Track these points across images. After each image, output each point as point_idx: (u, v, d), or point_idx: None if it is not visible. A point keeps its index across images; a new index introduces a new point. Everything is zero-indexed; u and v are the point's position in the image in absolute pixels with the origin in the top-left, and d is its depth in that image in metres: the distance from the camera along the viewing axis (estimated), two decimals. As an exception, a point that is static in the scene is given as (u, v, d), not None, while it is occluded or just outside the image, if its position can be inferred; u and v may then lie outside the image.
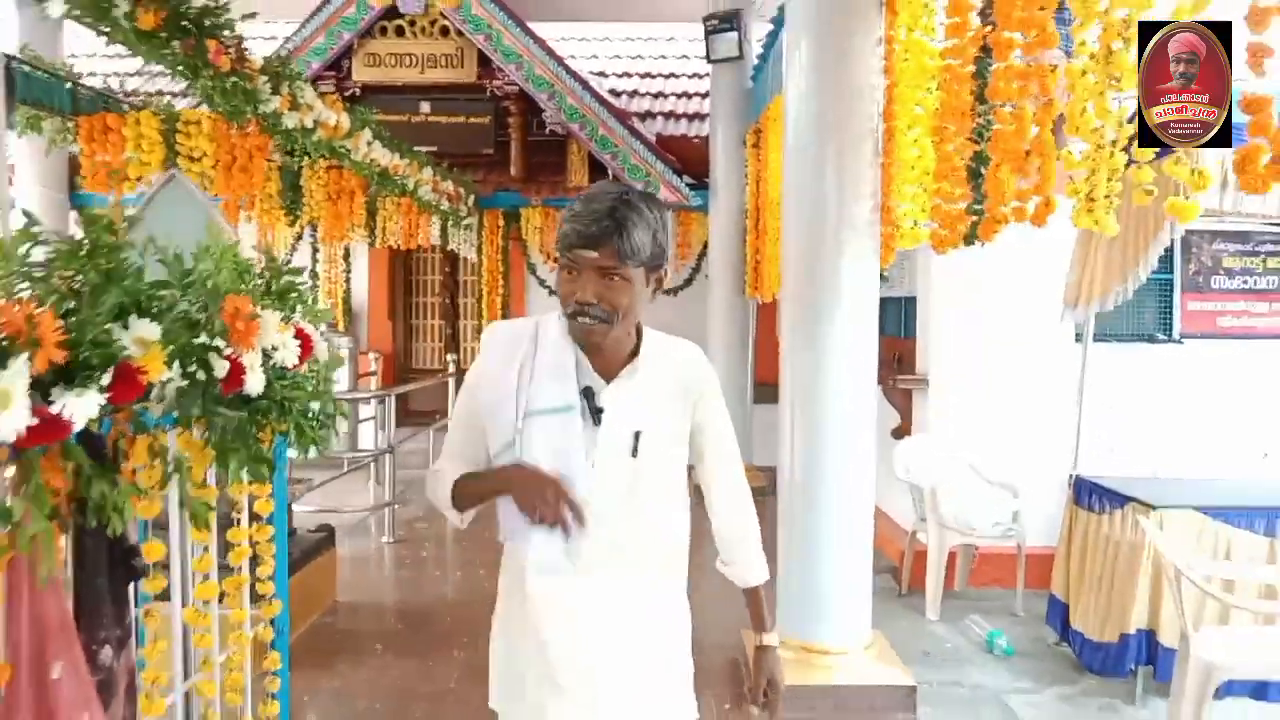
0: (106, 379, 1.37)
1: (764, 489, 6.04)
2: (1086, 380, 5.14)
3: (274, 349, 1.88)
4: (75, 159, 8.74)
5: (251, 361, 1.76)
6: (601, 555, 1.62)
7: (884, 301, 4.30)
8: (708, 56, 7.90)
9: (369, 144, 4.78)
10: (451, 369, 8.50)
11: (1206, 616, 3.97)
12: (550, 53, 8.31)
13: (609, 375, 1.64)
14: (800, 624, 3.92)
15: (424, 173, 6.03)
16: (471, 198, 8.09)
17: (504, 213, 8.98)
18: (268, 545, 2.27)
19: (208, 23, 3.12)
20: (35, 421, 1.23)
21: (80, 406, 1.31)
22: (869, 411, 4.03)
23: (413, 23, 8.34)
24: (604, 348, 1.63)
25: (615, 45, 11.29)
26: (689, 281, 9.30)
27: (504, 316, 9.04)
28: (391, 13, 8.20)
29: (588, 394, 1.62)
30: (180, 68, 3.08)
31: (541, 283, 9.21)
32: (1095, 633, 4.33)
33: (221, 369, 1.64)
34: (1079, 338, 5.22)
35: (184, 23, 2.97)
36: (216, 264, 1.80)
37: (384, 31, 8.40)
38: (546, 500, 1.51)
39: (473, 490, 1.70)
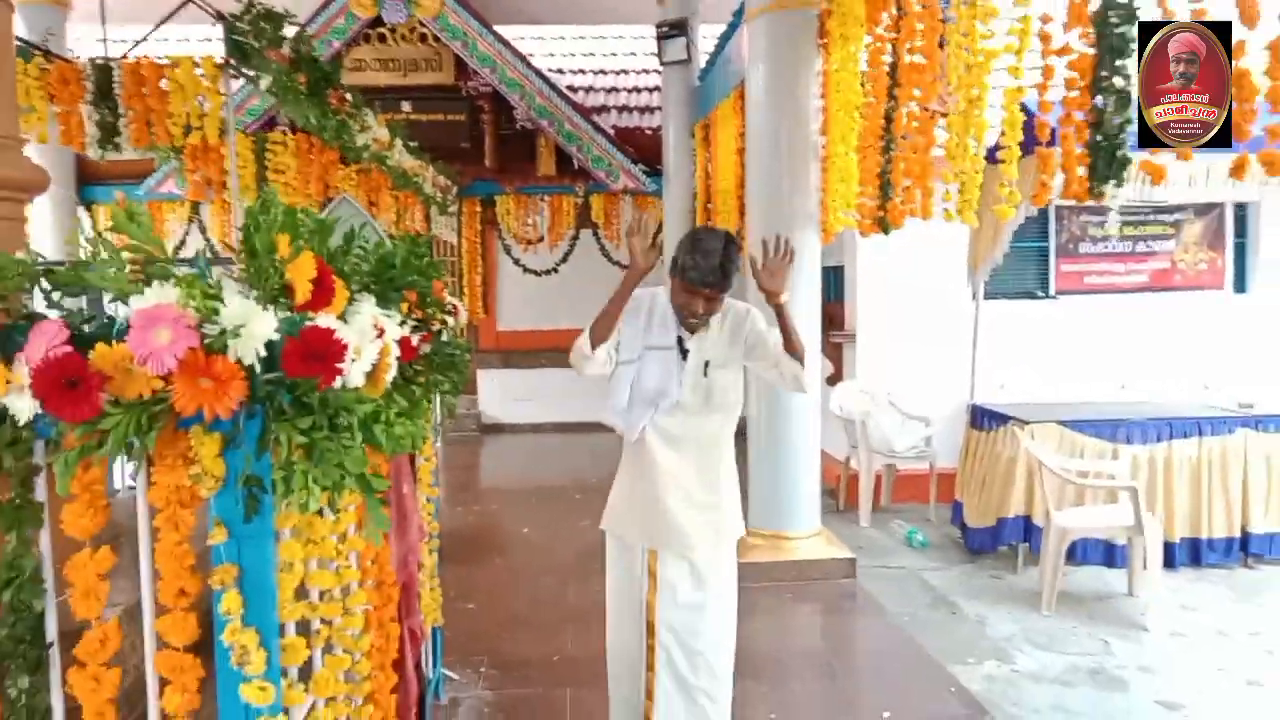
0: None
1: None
2: (981, 331, 6.44)
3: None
4: (82, 158, 9.47)
5: (443, 320, 2.88)
6: (687, 432, 2.73)
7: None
8: (660, 59, 8.97)
9: (399, 151, 5.81)
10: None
11: (1067, 503, 5.30)
12: (520, 56, 9.29)
13: (692, 331, 2.74)
14: (770, 519, 5.17)
15: (428, 170, 7.05)
16: (454, 188, 9.08)
17: (480, 200, 9.99)
18: (432, 447, 3.38)
19: (334, 76, 4.16)
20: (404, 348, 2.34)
21: (415, 340, 2.42)
22: (816, 354, 5.25)
23: (394, 30, 9.25)
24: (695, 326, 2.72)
25: (570, 44, 12.30)
26: (645, 258, 10.37)
27: (483, 293, 10.12)
28: (376, 22, 9.07)
29: (679, 341, 2.73)
30: (311, 113, 4.08)
31: (516, 261, 10.25)
32: (980, 520, 5.65)
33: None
34: (975, 296, 6.51)
35: (319, 78, 3.99)
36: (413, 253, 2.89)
37: (368, 39, 9.29)
38: (639, 234, 2.59)
39: (603, 312, 2.66)
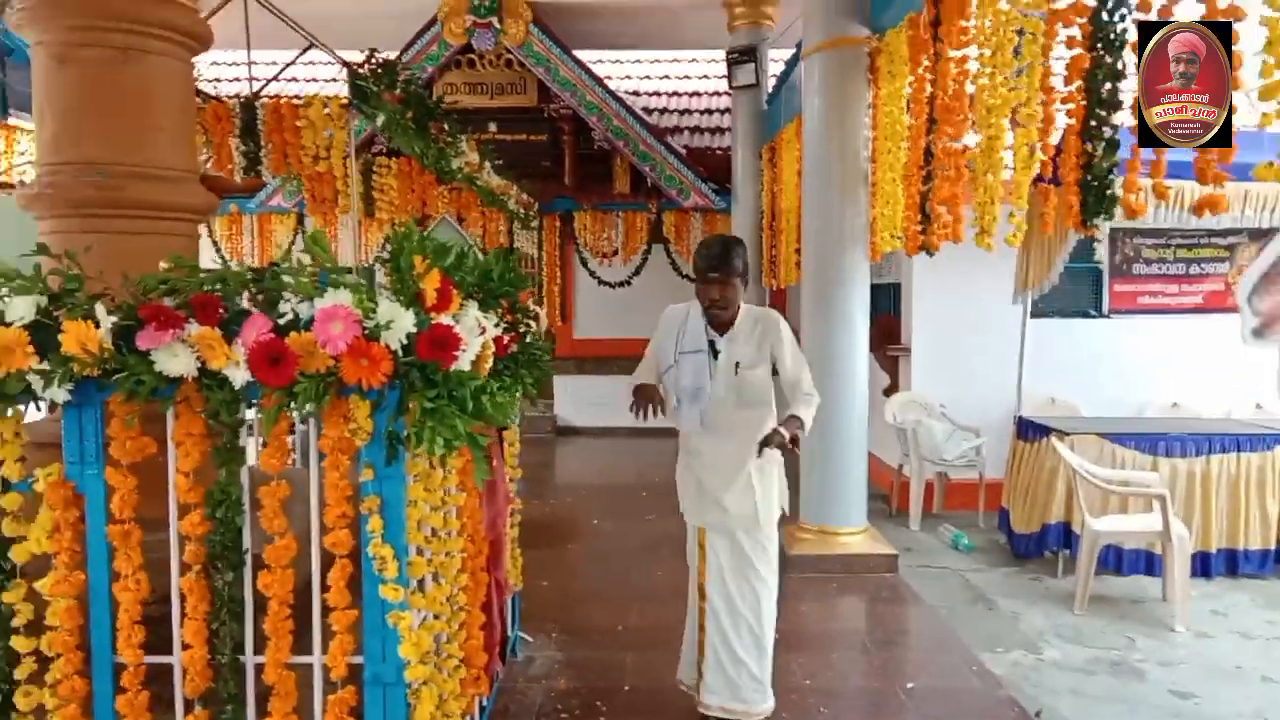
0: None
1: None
2: (1034, 347, 6.72)
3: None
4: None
5: (528, 324, 3.38)
6: (722, 427, 3.21)
7: (876, 287, 5.90)
8: (730, 84, 9.46)
9: (488, 172, 6.41)
10: (516, 347, 10.12)
11: (1110, 513, 5.55)
12: (598, 80, 9.88)
13: (721, 333, 3.22)
14: (819, 515, 5.58)
15: (513, 189, 7.66)
16: (535, 205, 9.72)
17: (560, 216, 10.65)
18: (516, 433, 3.90)
19: (436, 110, 4.77)
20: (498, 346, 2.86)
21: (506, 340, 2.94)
22: (863, 359, 5.63)
23: (482, 56, 9.93)
24: (721, 321, 3.21)
25: (646, 67, 12.92)
26: (715, 271, 10.85)
27: (561, 303, 10.76)
28: (466, 48, 9.77)
29: (711, 344, 3.22)
30: (417, 144, 4.69)
31: (591, 274, 10.85)
32: (1024, 527, 5.96)
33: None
34: (1023, 314, 6.80)
35: (424, 114, 4.60)
36: (505, 268, 3.41)
37: (459, 65, 10.00)
38: (638, 403, 3.08)
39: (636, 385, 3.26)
